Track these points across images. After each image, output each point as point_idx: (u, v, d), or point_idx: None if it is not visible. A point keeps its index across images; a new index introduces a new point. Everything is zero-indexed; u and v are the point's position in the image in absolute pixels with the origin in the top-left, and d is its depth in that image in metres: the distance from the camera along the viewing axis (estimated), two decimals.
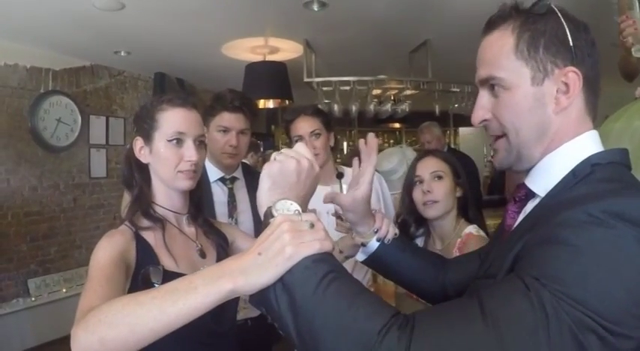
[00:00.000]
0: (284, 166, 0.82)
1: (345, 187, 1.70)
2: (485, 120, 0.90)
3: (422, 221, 1.86)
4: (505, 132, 0.87)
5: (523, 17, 0.84)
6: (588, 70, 0.82)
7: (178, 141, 1.30)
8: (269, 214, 0.77)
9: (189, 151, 1.30)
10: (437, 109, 4.78)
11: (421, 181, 1.81)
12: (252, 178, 2.21)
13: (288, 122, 2.22)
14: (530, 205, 0.89)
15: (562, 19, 0.82)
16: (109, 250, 1.16)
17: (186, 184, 1.32)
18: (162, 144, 1.29)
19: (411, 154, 3.51)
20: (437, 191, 1.76)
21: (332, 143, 2.23)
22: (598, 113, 0.88)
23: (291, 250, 0.71)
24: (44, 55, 4.59)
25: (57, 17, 3.69)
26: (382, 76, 4.50)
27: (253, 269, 0.72)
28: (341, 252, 1.43)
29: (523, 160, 0.88)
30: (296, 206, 0.78)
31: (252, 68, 4.58)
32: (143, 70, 5.61)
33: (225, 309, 1.31)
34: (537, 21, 0.83)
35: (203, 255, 1.37)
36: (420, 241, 1.90)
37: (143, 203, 1.33)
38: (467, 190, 1.85)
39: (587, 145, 0.83)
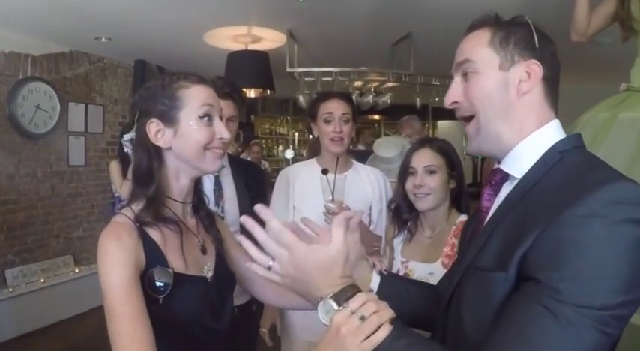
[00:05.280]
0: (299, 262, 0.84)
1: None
2: (455, 102, 1.01)
3: (414, 208, 1.86)
4: (475, 112, 0.98)
5: (501, 22, 0.99)
6: (548, 70, 0.95)
7: (209, 118, 1.22)
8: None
9: (220, 127, 1.23)
10: (418, 102, 4.83)
11: (414, 174, 1.82)
12: (237, 166, 2.23)
13: (318, 101, 2.22)
14: (506, 189, 0.98)
15: (532, 29, 0.96)
16: (125, 269, 1.06)
17: (216, 164, 1.25)
18: (194, 122, 1.20)
19: (409, 146, 3.54)
20: (428, 186, 1.78)
21: (353, 134, 2.23)
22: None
23: None
24: (23, 41, 4.50)
25: (37, 1, 3.61)
26: (364, 68, 4.53)
27: None
28: None
29: (491, 140, 0.97)
30: (335, 303, 0.81)
31: (235, 57, 4.56)
32: (124, 56, 5.55)
33: (225, 306, 1.29)
34: (512, 25, 0.98)
35: (204, 251, 1.29)
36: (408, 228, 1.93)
37: (158, 206, 1.19)
38: (461, 182, 1.87)
39: (551, 132, 0.95)
